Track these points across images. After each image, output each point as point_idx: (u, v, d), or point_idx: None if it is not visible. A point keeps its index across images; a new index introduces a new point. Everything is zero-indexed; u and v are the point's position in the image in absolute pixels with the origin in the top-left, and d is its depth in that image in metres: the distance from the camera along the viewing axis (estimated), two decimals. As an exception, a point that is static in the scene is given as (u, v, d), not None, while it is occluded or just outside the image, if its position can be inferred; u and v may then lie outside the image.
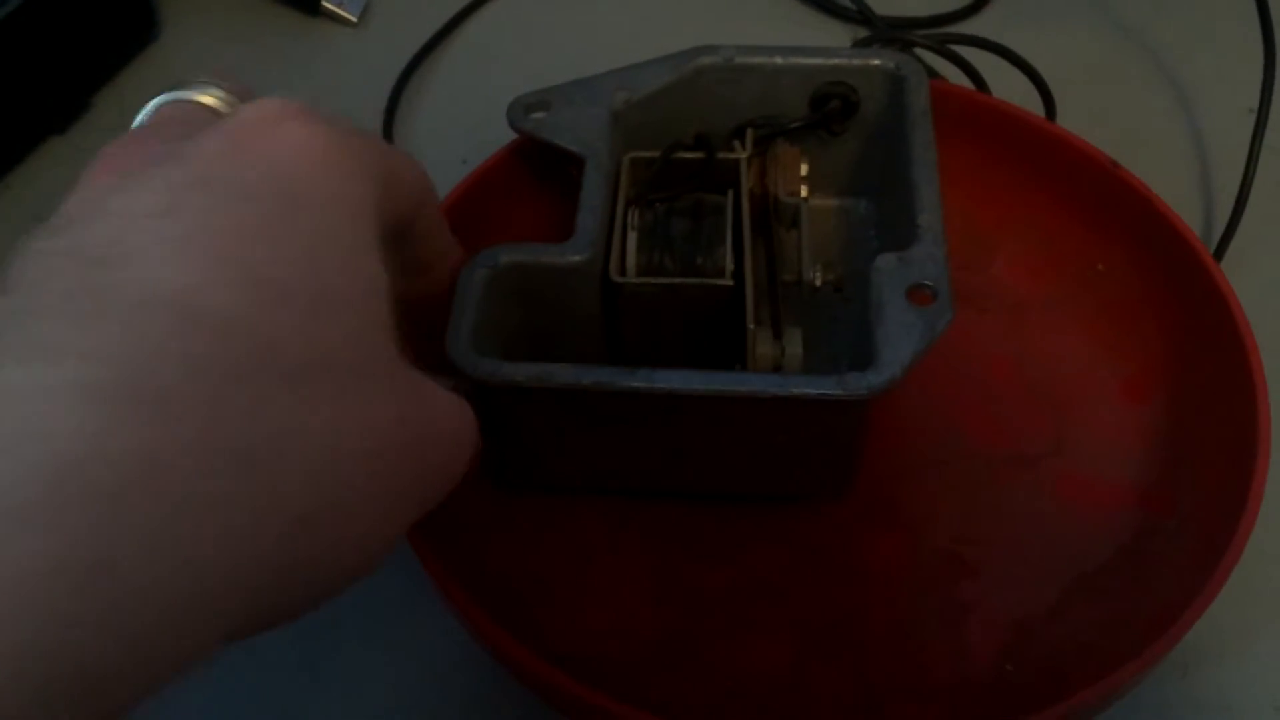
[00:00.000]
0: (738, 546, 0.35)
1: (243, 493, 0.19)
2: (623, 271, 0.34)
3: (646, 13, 0.51)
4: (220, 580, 0.18)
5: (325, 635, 0.35)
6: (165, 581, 0.17)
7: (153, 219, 0.20)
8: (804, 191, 0.38)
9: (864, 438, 0.33)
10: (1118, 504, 0.35)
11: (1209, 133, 0.46)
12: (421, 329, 0.26)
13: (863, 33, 0.49)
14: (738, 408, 0.30)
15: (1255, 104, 0.43)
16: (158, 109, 0.26)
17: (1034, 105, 0.41)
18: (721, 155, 0.37)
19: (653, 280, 0.34)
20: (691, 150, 0.37)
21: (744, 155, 0.37)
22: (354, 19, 0.51)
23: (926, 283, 0.31)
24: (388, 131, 0.47)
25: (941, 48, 0.41)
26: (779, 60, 0.38)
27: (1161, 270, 0.38)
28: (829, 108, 0.38)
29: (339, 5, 0.51)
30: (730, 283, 0.33)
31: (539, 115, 0.37)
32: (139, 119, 0.26)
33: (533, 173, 0.39)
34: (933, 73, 0.46)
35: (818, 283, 0.36)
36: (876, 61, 0.37)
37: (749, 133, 0.38)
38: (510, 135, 0.38)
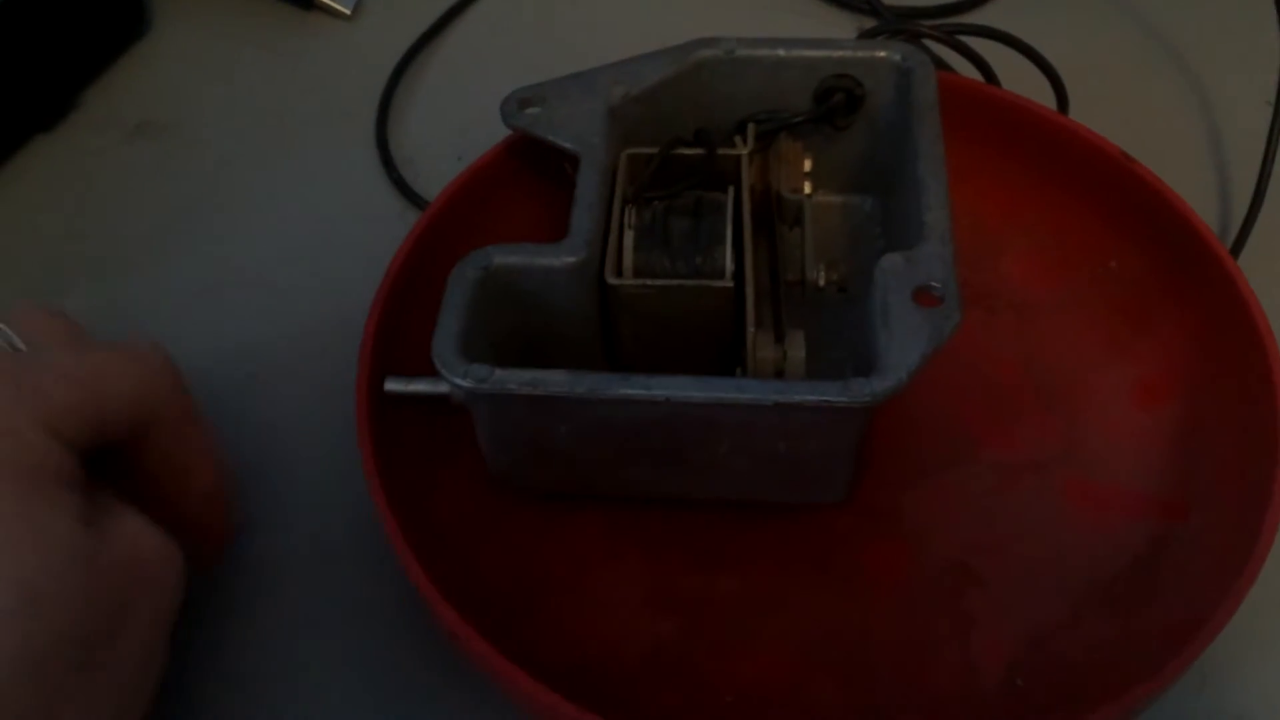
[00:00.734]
0: (737, 555, 0.34)
1: None
2: (619, 272, 0.33)
3: (645, 4, 0.50)
4: None
5: (305, 649, 0.34)
6: None
7: None
8: (808, 188, 0.37)
9: (868, 443, 0.32)
10: (1132, 511, 0.34)
11: (1226, 126, 0.45)
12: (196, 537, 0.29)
13: (869, 23, 0.48)
14: (737, 415, 0.29)
15: (1273, 96, 0.42)
16: None
17: (1045, 98, 0.40)
18: (722, 151, 0.36)
19: (650, 282, 0.32)
20: (691, 146, 0.36)
21: (745, 151, 0.36)
22: (347, 11, 0.50)
23: (933, 284, 0.30)
24: (381, 127, 0.46)
25: (950, 38, 0.40)
26: (781, 52, 0.36)
27: (1176, 268, 0.37)
28: (833, 102, 0.37)
29: (333, -2, 0.50)
30: (730, 284, 0.32)
31: (533, 111, 0.36)
32: None
33: (528, 169, 0.38)
34: (941, 64, 0.45)
35: (821, 282, 0.35)
36: (882, 53, 0.36)
37: (750, 128, 0.36)
38: (506, 131, 0.37)
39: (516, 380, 0.29)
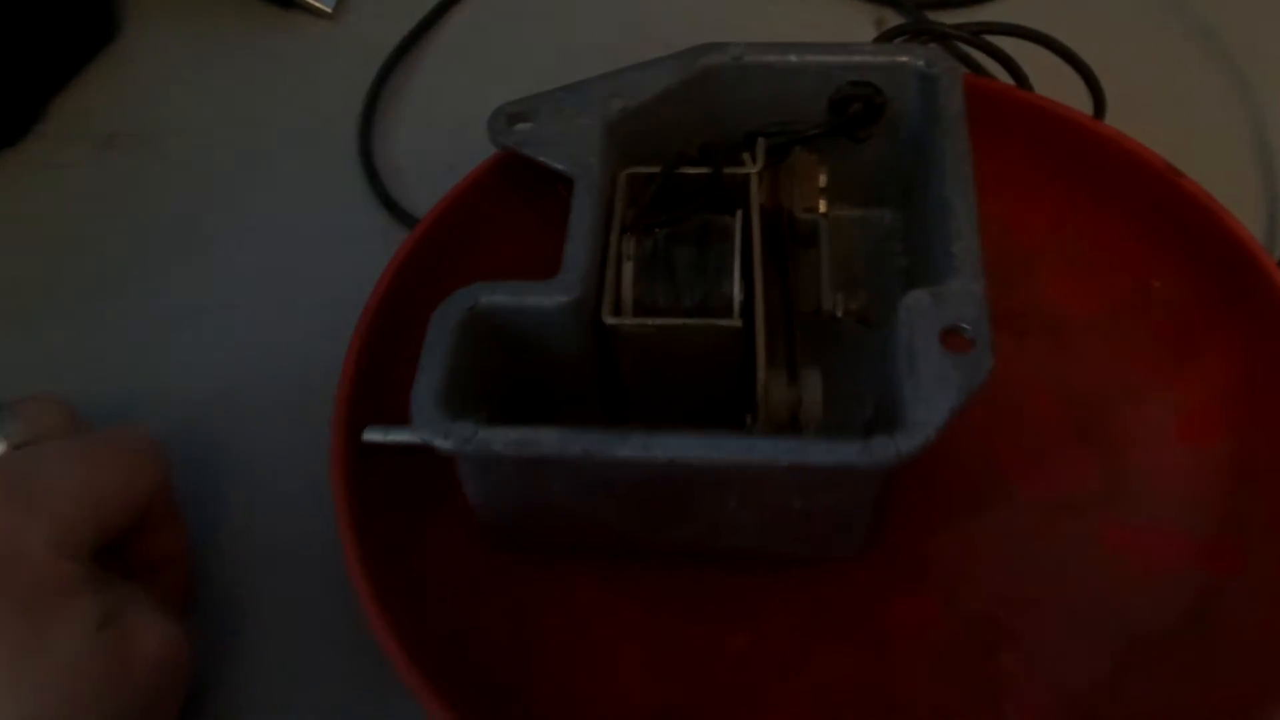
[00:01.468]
0: (749, 610, 0.32)
1: None
2: (617, 311, 0.30)
3: (646, 4, 0.47)
4: None
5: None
6: None
7: None
8: (823, 206, 0.34)
9: (890, 495, 0.30)
10: (1179, 559, 0.32)
11: (1278, 132, 0.42)
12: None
13: (889, 18, 0.44)
14: (747, 473, 0.27)
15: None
16: None
17: (1081, 101, 0.37)
18: (729, 170, 0.33)
19: (651, 321, 0.30)
20: (695, 164, 0.33)
21: (754, 170, 0.33)
22: (328, 9, 0.47)
23: (964, 325, 0.28)
24: (365, 135, 0.43)
25: (976, 38, 0.37)
26: (794, 58, 0.34)
27: (1225, 290, 0.34)
28: (851, 111, 0.34)
29: (313, -6, 0.47)
30: (739, 323, 0.30)
31: (524, 127, 0.33)
32: None
33: (521, 186, 0.35)
34: (967, 61, 0.41)
35: (839, 313, 0.33)
36: (905, 58, 0.34)
37: (760, 143, 0.34)
38: (499, 138, 0.34)
39: (503, 441, 0.27)
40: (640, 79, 0.34)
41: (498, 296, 0.29)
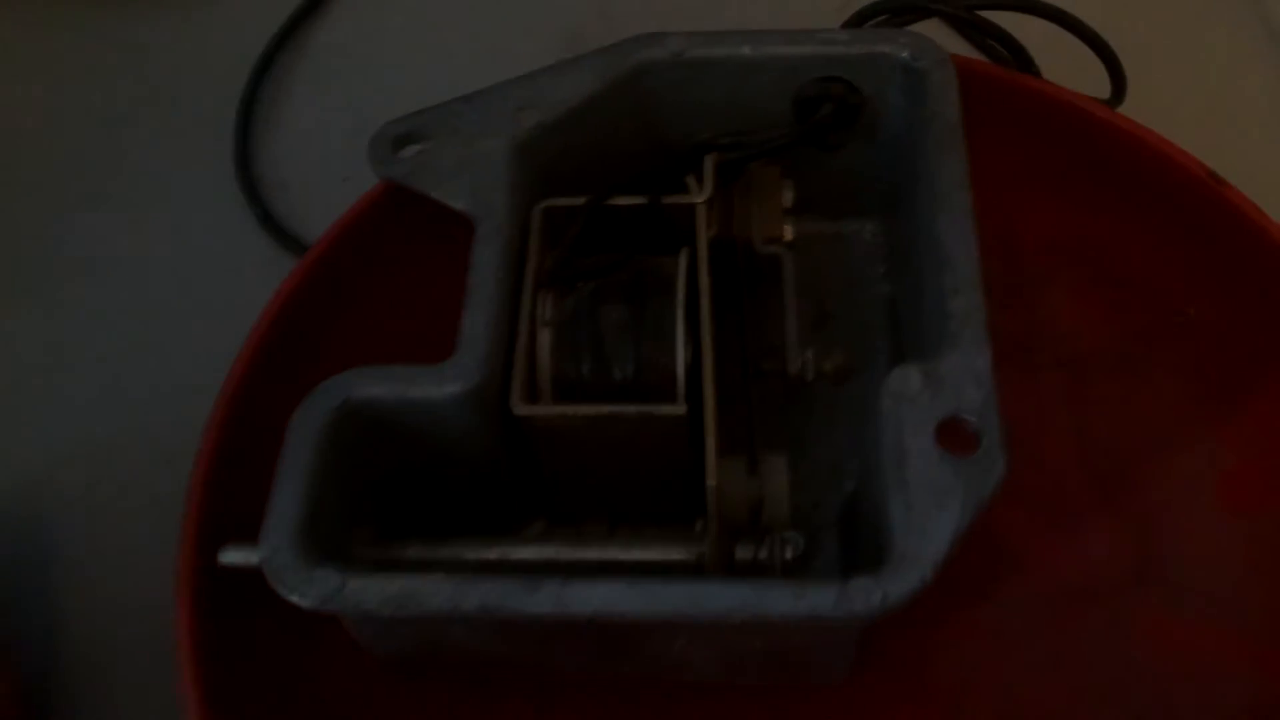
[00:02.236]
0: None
1: None
2: (532, 396, 0.24)
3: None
4: None
5: None
6: None
7: None
8: (788, 233, 0.29)
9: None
10: (1224, 659, 0.28)
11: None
12: None
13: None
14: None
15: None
16: None
17: (1097, 88, 0.33)
18: (670, 200, 0.27)
19: (573, 411, 0.24)
20: (629, 193, 0.27)
21: (701, 199, 0.27)
22: (201, -14, 0.40)
23: (966, 417, 0.22)
24: (242, 140, 0.36)
25: (970, 14, 0.31)
26: (748, 51, 0.29)
27: (1273, 318, 0.30)
28: (820, 114, 0.29)
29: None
30: (683, 409, 0.24)
31: (414, 151, 0.27)
32: None
33: (415, 219, 0.29)
34: (968, 28, 0.35)
35: (809, 377, 0.27)
36: (885, 48, 0.29)
37: (708, 161, 0.28)
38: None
39: (378, 598, 0.21)
40: (558, 83, 0.28)
41: (374, 389, 0.24)
